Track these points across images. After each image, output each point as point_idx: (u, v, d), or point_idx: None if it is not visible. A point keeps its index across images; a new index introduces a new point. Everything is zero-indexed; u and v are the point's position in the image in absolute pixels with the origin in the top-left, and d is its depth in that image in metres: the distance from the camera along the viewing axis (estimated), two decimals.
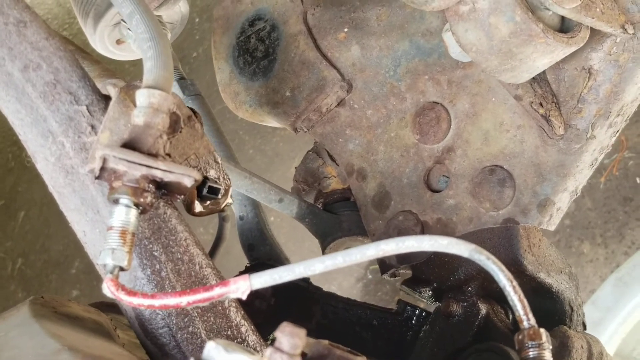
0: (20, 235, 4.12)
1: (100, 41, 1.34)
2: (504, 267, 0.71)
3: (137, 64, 3.58)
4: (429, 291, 1.21)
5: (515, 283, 0.70)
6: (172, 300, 0.72)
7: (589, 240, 2.51)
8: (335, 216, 1.32)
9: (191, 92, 1.46)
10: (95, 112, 0.84)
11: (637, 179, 2.49)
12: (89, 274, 3.66)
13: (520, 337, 0.70)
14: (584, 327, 1.19)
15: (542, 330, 0.69)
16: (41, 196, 4.03)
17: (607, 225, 2.50)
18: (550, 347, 0.69)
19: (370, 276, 2.91)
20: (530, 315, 0.70)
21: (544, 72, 1.05)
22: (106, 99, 0.86)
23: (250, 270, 1.31)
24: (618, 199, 2.50)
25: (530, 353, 0.69)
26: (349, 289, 2.89)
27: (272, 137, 3.33)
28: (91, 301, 1.14)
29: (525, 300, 0.70)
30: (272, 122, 1.36)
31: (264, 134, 3.34)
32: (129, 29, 1.32)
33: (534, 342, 0.69)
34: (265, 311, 1.21)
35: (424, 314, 1.21)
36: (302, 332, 0.58)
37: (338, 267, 0.71)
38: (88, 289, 3.65)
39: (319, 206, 1.34)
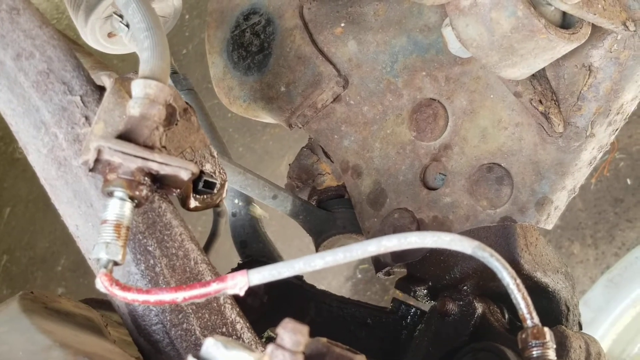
0: (5, 231, 4.08)
1: (92, 34, 1.32)
2: (507, 265, 0.69)
3: (126, 60, 3.56)
4: (424, 290, 1.19)
5: (519, 281, 0.69)
6: (167, 296, 0.70)
7: (579, 241, 2.51)
8: (330, 213, 1.31)
9: (184, 87, 1.44)
10: (90, 103, 0.82)
11: (628, 180, 2.49)
12: (75, 271, 3.63)
13: (523, 335, 0.69)
14: (580, 327, 1.18)
15: (545, 329, 0.68)
16: (27, 192, 4.00)
17: (597, 226, 2.49)
18: (554, 346, 0.68)
19: (359, 275, 2.90)
20: (534, 314, 0.68)
21: (543, 69, 1.04)
22: (100, 89, 0.84)
23: (243, 267, 1.29)
24: (609, 200, 2.50)
25: (534, 352, 0.68)
26: (338, 288, 2.87)
27: (261, 135, 3.31)
28: (77, 299, 1.12)
29: (529, 299, 0.69)
30: (266, 118, 1.34)
31: (253, 132, 3.32)
32: (121, 22, 1.30)
33: (537, 341, 0.68)
34: (258, 309, 1.20)
35: (418, 312, 1.20)
36: (304, 328, 0.56)
37: (338, 263, 0.69)
38: (74, 287, 3.62)
39: (313, 203, 1.33)
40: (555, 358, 0.67)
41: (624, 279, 1.99)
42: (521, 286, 0.68)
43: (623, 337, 2.03)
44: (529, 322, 0.68)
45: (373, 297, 2.84)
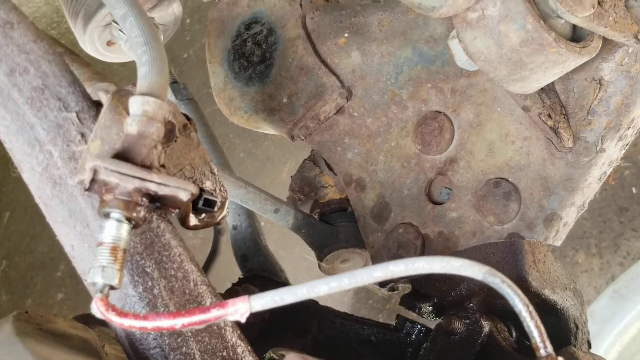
0: (4, 236, 4.06)
1: (90, 42, 1.30)
2: (519, 292, 0.67)
3: (127, 65, 3.53)
4: (429, 307, 1.16)
5: (531, 308, 0.66)
6: (165, 322, 0.67)
7: (584, 250, 2.48)
8: (332, 227, 1.28)
9: (184, 97, 1.42)
10: (86, 120, 0.79)
11: (633, 189, 2.46)
12: (75, 277, 3.58)
13: None
14: (589, 346, 1.16)
15: (560, 358, 0.65)
16: (26, 197, 3.96)
17: (602, 235, 2.47)
18: None
19: None
20: (548, 343, 0.66)
21: (552, 82, 1.01)
22: (97, 105, 0.81)
23: (244, 282, 1.26)
24: (614, 208, 2.47)
25: None
26: (339, 297, 2.84)
27: (263, 141, 3.29)
28: (77, 305, 1.09)
29: (542, 327, 0.66)
30: (268, 129, 1.32)
31: (255, 138, 3.30)
32: (120, 30, 1.28)
33: None
34: (259, 326, 1.17)
35: (423, 330, 1.17)
36: None
37: (343, 289, 0.67)
38: (73, 293, 3.59)
39: (315, 217, 1.30)
40: None
41: (630, 290, 1.97)
42: (534, 314, 0.66)
43: (629, 350, 2.00)
44: (542, 352, 0.66)
45: (375, 306, 2.81)
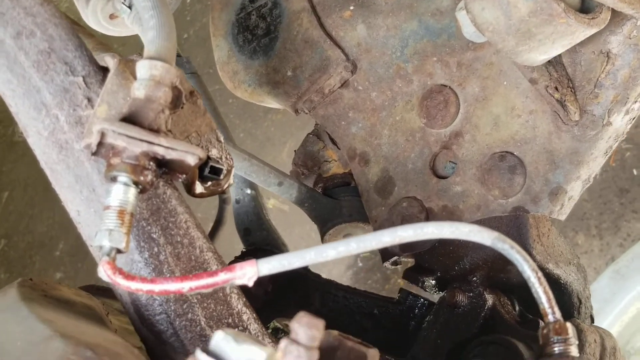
0: (3, 216, 4.05)
1: (93, 15, 1.29)
2: (528, 257, 0.66)
3: (127, 44, 3.52)
4: (432, 280, 1.16)
5: (540, 274, 0.66)
6: (173, 286, 0.67)
7: (584, 231, 2.49)
8: (336, 201, 1.28)
9: (187, 70, 1.41)
10: (92, 84, 0.79)
11: (634, 171, 2.46)
12: (74, 255, 3.60)
13: (545, 331, 0.66)
14: (592, 320, 1.16)
15: (568, 324, 0.66)
16: (25, 177, 3.96)
17: (602, 217, 2.47)
18: (577, 342, 0.65)
19: (360, 264, 2.87)
20: (556, 309, 0.66)
21: (559, 55, 1.01)
22: (104, 70, 0.80)
23: (246, 255, 1.26)
24: (614, 190, 2.47)
25: (556, 348, 0.65)
26: (338, 277, 2.85)
27: (263, 122, 3.28)
28: (76, 284, 1.09)
29: (550, 293, 0.66)
30: (271, 103, 1.31)
31: (255, 118, 3.29)
32: (123, 3, 1.27)
33: (559, 337, 0.65)
34: (263, 298, 1.17)
35: (426, 303, 1.17)
36: (320, 323, 0.53)
37: (351, 254, 0.67)
38: (72, 272, 3.60)
39: (319, 191, 1.30)
40: (578, 354, 0.64)
41: (630, 271, 1.97)
42: (542, 279, 0.66)
43: (628, 330, 2.01)
44: (550, 317, 0.66)
45: (374, 286, 2.82)
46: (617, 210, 2.45)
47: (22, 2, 0.77)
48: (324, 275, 1.27)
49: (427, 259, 1.16)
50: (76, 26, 1.16)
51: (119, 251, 0.70)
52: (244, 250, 1.31)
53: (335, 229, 1.27)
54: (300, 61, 1.22)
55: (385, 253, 1.19)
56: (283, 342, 0.52)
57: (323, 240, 1.29)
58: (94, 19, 1.30)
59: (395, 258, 1.19)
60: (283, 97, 1.25)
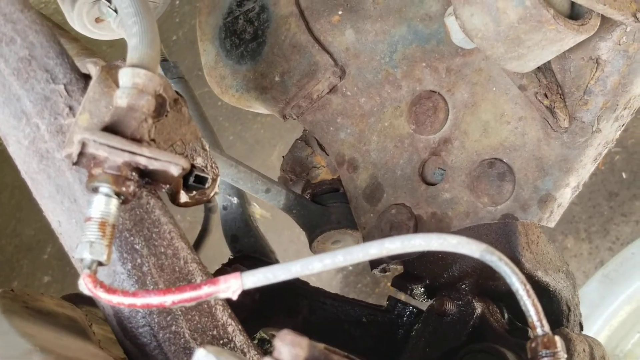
0: None
1: (79, 19, 1.28)
2: (517, 270, 0.65)
3: (115, 45, 3.49)
4: (421, 288, 1.15)
5: (529, 287, 0.65)
6: (155, 299, 0.66)
7: (573, 235, 2.48)
8: (324, 208, 1.26)
9: (174, 75, 1.39)
10: (74, 92, 0.77)
11: (623, 174, 2.46)
12: (62, 259, 3.57)
13: (533, 344, 0.65)
14: (581, 328, 1.15)
15: (557, 338, 0.64)
16: (13, 179, 3.93)
17: (591, 220, 2.47)
18: (565, 356, 0.64)
19: (350, 267, 2.86)
20: (545, 322, 0.65)
21: (549, 61, 1.00)
22: (86, 78, 0.79)
23: (233, 262, 1.25)
24: (603, 193, 2.47)
25: None
26: (328, 280, 2.84)
27: (252, 124, 3.26)
28: (63, 287, 1.08)
29: (539, 306, 0.65)
30: (259, 108, 1.30)
31: (244, 121, 3.27)
32: (109, 6, 1.25)
33: (548, 351, 0.64)
34: (250, 306, 1.15)
35: (415, 311, 1.16)
36: (304, 341, 0.52)
37: (338, 267, 0.65)
38: (60, 275, 3.57)
39: (307, 197, 1.29)
40: None
41: (619, 275, 1.97)
42: (531, 292, 0.65)
43: (617, 333, 2.00)
44: (539, 331, 0.65)
45: (364, 290, 2.80)
46: (606, 214, 2.45)
47: (2, 8, 0.75)
48: (314, 280, 1.26)
49: (416, 266, 1.15)
50: (60, 31, 1.15)
51: (100, 264, 0.68)
52: (231, 257, 1.29)
53: (324, 236, 1.26)
54: (288, 66, 1.21)
55: (374, 261, 1.18)
56: None
57: (311, 247, 1.27)
58: (80, 23, 1.29)
59: (383, 265, 1.18)
60: (271, 102, 1.24)
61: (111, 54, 3.59)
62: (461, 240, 0.64)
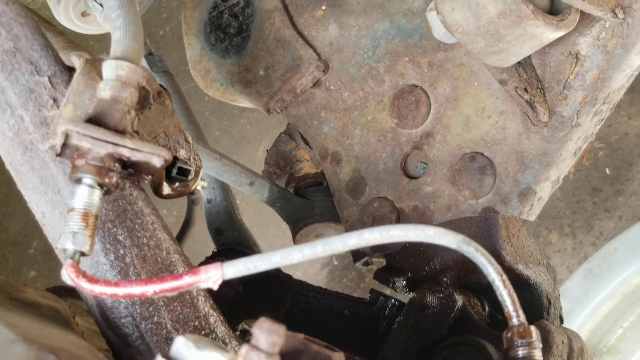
0: None
1: (65, 13, 1.28)
2: (493, 260, 0.67)
3: (102, 40, 3.48)
4: (403, 281, 1.16)
5: (505, 277, 0.66)
6: (137, 289, 0.67)
7: (557, 230, 2.50)
8: (307, 201, 1.27)
9: (159, 69, 1.40)
10: (58, 84, 0.78)
11: (607, 170, 2.48)
12: (48, 254, 3.56)
13: (509, 334, 0.66)
14: (561, 321, 1.16)
15: (532, 327, 0.66)
16: None
17: (575, 216, 2.48)
18: (541, 345, 0.65)
19: (336, 262, 2.87)
20: (520, 312, 0.66)
21: (529, 56, 1.01)
22: (70, 70, 0.80)
23: (217, 255, 1.26)
24: (587, 189, 2.49)
25: (520, 352, 0.65)
26: (314, 275, 2.84)
27: (239, 120, 3.27)
28: (49, 282, 1.08)
29: (515, 296, 0.66)
30: (244, 102, 1.30)
31: (230, 116, 3.27)
32: (95, 0, 1.26)
33: (523, 341, 0.65)
34: (233, 299, 1.16)
35: (397, 304, 1.17)
36: (281, 328, 0.53)
37: (317, 257, 0.66)
38: (46, 270, 3.56)
39: (291, 191, 1.30)
40: (542, 358, 0.65)
41: (602, 270, 1.98)
42: (507, 283, 0.66)
43: (600, 328, 2.02)
44: (514, 321, 0.66)
45: (349, 285, 2.82)
46: (590, 209, 2.47)
47: None
48: (299, 274, 1.27)
49: (398, 259, 1.16)
50: (45, 24, 1.15)
51: (82, 254, 0.69)
52: (215, 250, 1.30)
53: (307, 229, 1.27)
54: (272, 60, 1.22)
55: (357, 254, 1.19)
56: (244, 348, 0.52)
57: (295, 240, 1.28)
58: (66, 17, 1.29)
59: (366, 258, 1.19)
60: (255, 96, 1.25)
61: (99, 48, 3.58)
62: (438, 231, 0.66)
